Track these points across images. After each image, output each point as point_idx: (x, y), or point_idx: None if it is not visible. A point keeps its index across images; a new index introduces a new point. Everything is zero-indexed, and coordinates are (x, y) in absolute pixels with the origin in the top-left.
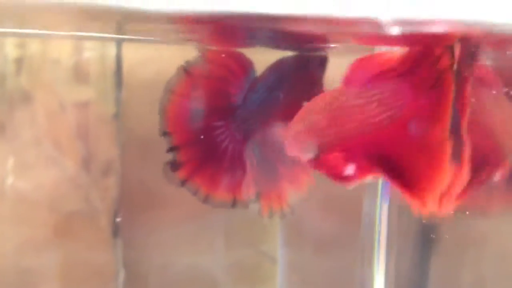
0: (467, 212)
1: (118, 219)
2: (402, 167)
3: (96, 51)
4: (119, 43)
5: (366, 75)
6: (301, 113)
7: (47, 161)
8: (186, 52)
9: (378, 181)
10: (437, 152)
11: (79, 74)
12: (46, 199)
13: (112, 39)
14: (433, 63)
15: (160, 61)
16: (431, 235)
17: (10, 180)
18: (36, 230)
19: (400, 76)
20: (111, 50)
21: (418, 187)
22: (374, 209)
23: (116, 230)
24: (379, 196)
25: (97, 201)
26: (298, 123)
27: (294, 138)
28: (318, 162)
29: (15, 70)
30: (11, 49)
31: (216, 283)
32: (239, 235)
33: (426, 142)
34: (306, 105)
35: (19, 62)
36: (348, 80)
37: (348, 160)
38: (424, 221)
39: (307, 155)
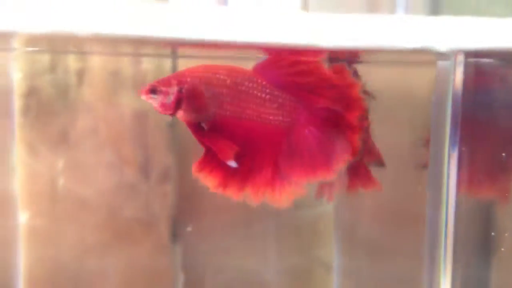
0: None
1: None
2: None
3: (152, 63)
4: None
5: (278, 72)
6: (203, 75)
7: (107, 168)
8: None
9: (443, 188)
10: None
11: (137, 85)
12: (106, 205)
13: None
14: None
15: None
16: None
17: (72, 185)
18: (97, 234)
19: (309, 86)
20: (167, 62)
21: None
22: (439, 216)
23: (175, 236)
24: (444, 203)
25: (156, 207)
26: (200, 85)
27: (191, 98)
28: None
29: (77, 82)
30: (73, 61)
31: None
32: (291, 240)
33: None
34: (207, 67)
35: (80, 74)
36: (259, 69)
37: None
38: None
39: (197, 119)
